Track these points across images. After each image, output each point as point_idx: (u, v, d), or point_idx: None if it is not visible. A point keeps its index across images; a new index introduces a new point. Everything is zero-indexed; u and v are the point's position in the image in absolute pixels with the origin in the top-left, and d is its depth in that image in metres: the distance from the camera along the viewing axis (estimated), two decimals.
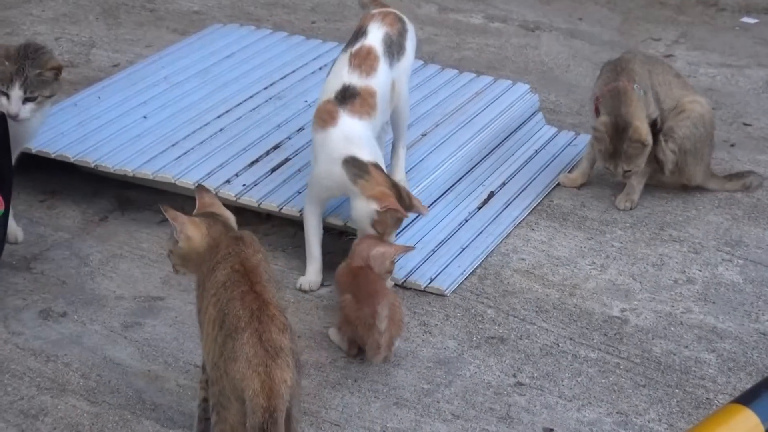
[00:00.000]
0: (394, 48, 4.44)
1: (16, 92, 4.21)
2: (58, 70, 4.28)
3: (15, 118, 4.21)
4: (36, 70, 4.23)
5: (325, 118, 4.24)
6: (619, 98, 4.78)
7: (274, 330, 3.19)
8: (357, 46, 4.38)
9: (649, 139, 4.75)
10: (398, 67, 4.47)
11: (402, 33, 4.52)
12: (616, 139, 4.77)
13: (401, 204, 4.10)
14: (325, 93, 4.32)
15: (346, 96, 4.25)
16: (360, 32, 4.44)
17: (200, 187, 3.79)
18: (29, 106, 4.22)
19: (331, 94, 4.28)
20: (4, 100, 4.21)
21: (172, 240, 3.57)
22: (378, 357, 3.87)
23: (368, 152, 4.17)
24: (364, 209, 4.12)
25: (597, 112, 4.87)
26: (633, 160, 4.79)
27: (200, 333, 3.41)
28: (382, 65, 4.38)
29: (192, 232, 3.54)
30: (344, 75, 4.31)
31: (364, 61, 4.33)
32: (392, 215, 4.10)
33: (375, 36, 4.41)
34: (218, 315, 3.26)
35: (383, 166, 4.21)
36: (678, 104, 4.93)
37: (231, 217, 3.65)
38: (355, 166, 4.14)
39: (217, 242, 3.49)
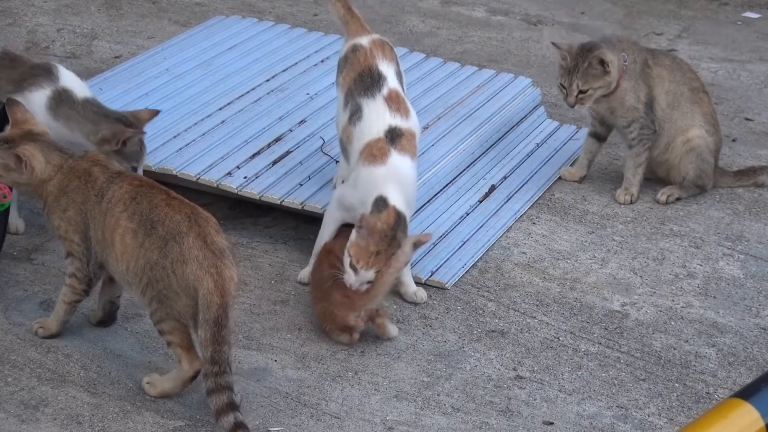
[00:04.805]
0: (398, 79, 4.40)
1: None
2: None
3: None
4: None
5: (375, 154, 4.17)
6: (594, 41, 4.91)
7: (213, 232, 3.53)
8: (385, 90, 4.26)
9: (611, 62, 4.75)
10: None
11: (397, 60, 4.45)
12: (578, 56, 4.82)
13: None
14: (369, 133, 4.21)
15: (395, 137, 4.20)
16: (375, 75, 4.30)
17: (11, 101, 3.91)
18: None
19: (378, 134, 4.20)
20: None
21: (11, 169, 3.74)
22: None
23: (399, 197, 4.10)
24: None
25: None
26: (588, 80, 4.80)
27: (93, 248, 3.72)
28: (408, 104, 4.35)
29: (36, 164, 3.75)
30: (387, 118, 4.22)
31: (399, 104, 4.26)
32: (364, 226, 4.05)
33: (392, 78, 4.31)
34: (141, 224, 3.56)
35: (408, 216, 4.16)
36: (683, 134, 4.90)
37: (47, 131, 3.86)
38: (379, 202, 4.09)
39: (73, 168, 3.73)
